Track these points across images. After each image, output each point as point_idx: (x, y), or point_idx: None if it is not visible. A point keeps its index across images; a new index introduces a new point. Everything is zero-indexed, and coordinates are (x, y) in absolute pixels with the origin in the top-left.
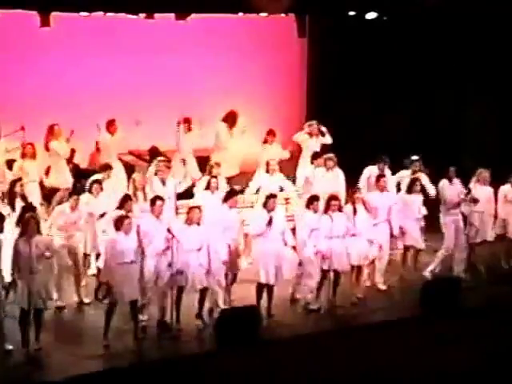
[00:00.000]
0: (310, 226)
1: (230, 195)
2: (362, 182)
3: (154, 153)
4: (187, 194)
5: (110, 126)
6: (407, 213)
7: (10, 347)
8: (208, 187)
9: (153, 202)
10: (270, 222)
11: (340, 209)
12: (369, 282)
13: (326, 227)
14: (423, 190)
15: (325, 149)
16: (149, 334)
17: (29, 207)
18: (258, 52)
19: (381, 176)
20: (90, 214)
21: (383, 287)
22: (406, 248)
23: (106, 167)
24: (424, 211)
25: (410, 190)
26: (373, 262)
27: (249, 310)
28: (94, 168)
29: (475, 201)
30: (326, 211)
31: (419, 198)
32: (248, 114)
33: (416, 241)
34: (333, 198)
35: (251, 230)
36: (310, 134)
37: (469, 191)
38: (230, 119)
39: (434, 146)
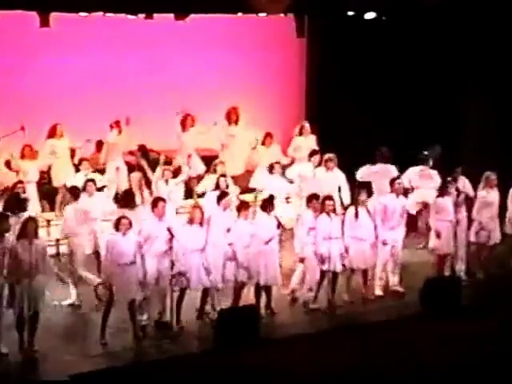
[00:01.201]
0: (309, 225)
1: (222, 197)
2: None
3: (143, 151)
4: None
5: (117, 125)
6: (441, 216)
7: (5, 351)
8: (217, 187)
9: (155, 203)
10: (279, 225)
11: (334, 210)
12: (380, 284)
13: (324, 228)
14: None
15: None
16: (148, 334)
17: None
18: (258, 52)
19: (395, 179)
20: (85, 213)
21: (400, 289)
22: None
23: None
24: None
25: (442, 193)
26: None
27: (248, 309)
28: (96, 168)
29: (471, 201)
30: (321, 211)
31: (451, 199)
32: (247, 113)
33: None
34: (327, 198)
35: (264, 235)
36: (301, 134)
37: (459, 192)
38: (231, 116)
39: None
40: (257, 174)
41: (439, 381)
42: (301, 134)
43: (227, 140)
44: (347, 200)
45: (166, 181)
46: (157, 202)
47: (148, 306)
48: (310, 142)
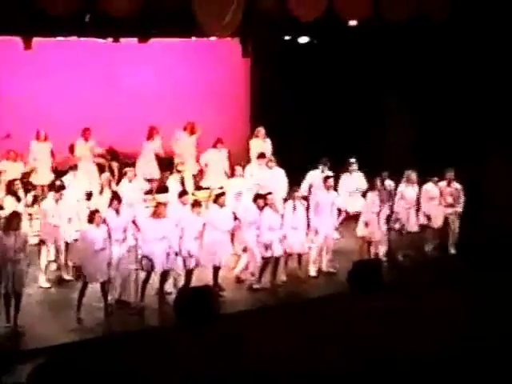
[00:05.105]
0: (251, 219)
1: (181, 194)
2: (305, 187)
3: (112, 153)
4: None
5: (85, 133)
6: (369, 208)
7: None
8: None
9: (111, 200)
10: (235, 218)
11: (274, 204)
12: (314, 266)
13: (268, 219)
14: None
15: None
16: (117, 310)
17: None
18: (209, 69)
19: (328, 177)
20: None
21: (332, 270)
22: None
23: (73, 168)
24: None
25: (370, 190)
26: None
27: (204, 288)
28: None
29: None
30: (264, 206)
31: (377, 195)
32: (200, 123)
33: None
34: (268, 193)
35: (220, 226)
36: (257, 137)
37: (385, 190)
38: (190, 128)
39: (365, 149)
40: (209, 176)
41: (365, 349)
42: (257, 136)
43: (185, 146)
44: (284, 194)
45: (130, 180)
46: (112, 199)
47: (114, 286)
48: (266, 145)
